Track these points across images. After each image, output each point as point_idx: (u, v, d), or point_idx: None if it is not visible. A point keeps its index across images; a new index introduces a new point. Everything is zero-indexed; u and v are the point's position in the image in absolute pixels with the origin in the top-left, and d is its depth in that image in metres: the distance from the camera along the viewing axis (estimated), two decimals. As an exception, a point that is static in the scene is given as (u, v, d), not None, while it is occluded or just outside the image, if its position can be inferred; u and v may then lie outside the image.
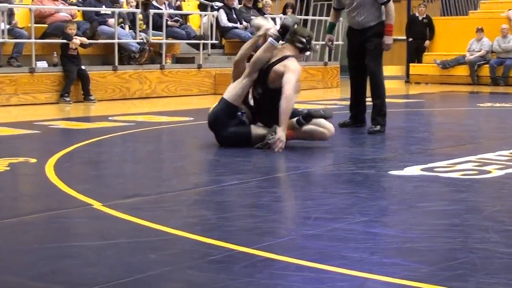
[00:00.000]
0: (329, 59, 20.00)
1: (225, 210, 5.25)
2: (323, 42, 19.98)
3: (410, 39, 21.96)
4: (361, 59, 9.65)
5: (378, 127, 9.37)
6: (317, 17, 21.04)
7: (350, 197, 5.60)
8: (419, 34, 21.77)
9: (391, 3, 9.54)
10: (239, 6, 18.76)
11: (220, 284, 3.54)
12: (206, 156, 7.89)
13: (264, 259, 3.96)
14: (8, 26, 13.58)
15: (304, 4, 21.79)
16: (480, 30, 20.28)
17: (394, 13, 9.56)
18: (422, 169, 6.71)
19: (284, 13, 19.97)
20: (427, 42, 21.81)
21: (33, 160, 7.10)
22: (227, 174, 6.60)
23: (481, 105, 14.42)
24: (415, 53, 21.92)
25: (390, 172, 6.55)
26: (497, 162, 7.09)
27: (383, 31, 9.53)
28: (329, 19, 10.67)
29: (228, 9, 18.11)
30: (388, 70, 25.10)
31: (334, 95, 17.00)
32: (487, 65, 20.15)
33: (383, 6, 9.54)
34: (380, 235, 4.40)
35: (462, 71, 20.60)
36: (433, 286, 3.51)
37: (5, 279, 3.65)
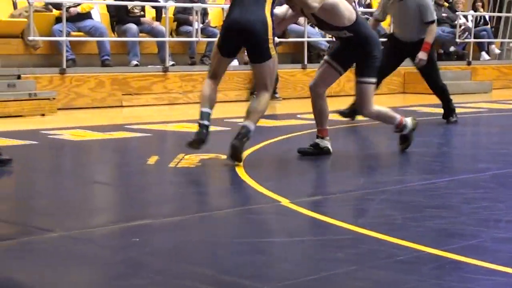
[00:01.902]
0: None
1: (412, 210, 5.18)
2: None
3: None
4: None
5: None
6: (511, 14, 20.50)
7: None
8: None
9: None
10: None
11: (408, 285, 3.51)
12: (393, 155, 7.81)
13: (453, 261, 3.89)
14: (201, 25, 13.89)
15: (498, 0, 21.21)
16: None
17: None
18: None
19: (475, 9, 19.52)
20: None
21: (224, 157, 7.22)
22: (415, 174, 6.52)
23: None
24: None
25: None
26: None
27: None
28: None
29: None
30: None
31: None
32: None
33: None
34: None
35: None
36: None
37: (196, 271, 3.73)
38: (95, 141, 8.68)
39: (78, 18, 12.93)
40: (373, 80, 7.49)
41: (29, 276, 3.71)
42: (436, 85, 10.84)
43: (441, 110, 11.61)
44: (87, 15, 13.13)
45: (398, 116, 7.38)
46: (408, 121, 7.40)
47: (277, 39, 14.49)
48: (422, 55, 10.06)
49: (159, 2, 14.36)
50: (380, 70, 8.67)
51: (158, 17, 13.95)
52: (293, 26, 15.33)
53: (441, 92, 10.78)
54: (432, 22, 10.10)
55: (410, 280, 3.56)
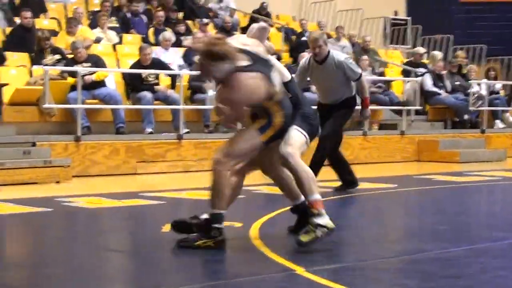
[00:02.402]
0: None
1: (428, 279, 5.16)
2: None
3: None
4: None
5: None
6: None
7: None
8: None
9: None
10: (443, 72, 18.60)
11: None
12: (407, 223, 7.79)
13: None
14: (215, 93, 13.96)
15: (509, 69, 21.36)
16: None
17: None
18: None
19: (487, 77, 19.61)
20: None
21: (238, 224, 7.22)
22: (430, 242, 6.50)
23: None
24: None
25: None
26: None
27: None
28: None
29: (432, 74, 18.00)
30: None
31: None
32: None
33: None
34: None
35: None
36: None
37: None
38: (109, 208, 8.70)
39: (93, 86, 13.05)
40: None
41: None
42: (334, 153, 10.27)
43: (458, 178, 11.62)
44: (102, 83, 13.25)
45: (317, 195, 6.21)
46: (326, 217, 6.11)
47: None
48: (367, 112, 10.25)
49: (174, 70, 14.48)
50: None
51: (173, 85, 14.07)
52: (308, 95, 15.42)
53: (338, 161, 10.37)
54: (360, 76, 9.81)
55: None
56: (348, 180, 10.24)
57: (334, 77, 9.56)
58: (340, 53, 9.95)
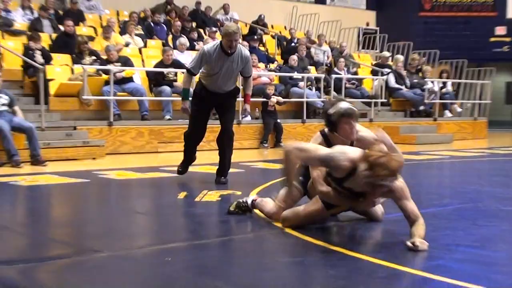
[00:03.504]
0: (478, 115, 19.48)
1: (390, 237, 5.16)
2: (474, 101, 19.66)
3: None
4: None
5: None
6: (469, 81, 20.59)
7: (494, 229, 5.45)
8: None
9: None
10: (404, 71, 18.60)
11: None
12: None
13: (423, 277, 3.92)
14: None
15: (459, 70, 21.34)
16: None
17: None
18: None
19: (440, 77, 19.63)
20: None
21: (239, 193, 7.25)
22: (391, 207, 6.54)
23: None
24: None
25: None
26: None
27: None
28: (184, 85, 8.33)
29: (395, 73, 18.02)
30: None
31: (482, 145, 16.46)
32: None
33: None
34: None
35: None
36: None
37: (217, 284, 3.75)
38: (135, 179, 8.72)
39: (123, 81, 13.08)
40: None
41: None
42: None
43: (415, 157, 11.61)
44: (130, 79, 13.27)
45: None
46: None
47: (281, 99, 14.68)
48: (248, 107, 8.50)
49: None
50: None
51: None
52: (295, 89, 15.44)
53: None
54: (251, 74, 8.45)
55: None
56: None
57: (235, 68, 8.02)
58: (244, 48, 8.38)
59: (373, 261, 4.23)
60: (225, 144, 8.31)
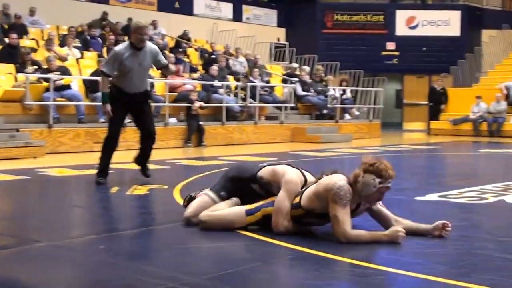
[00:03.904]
0: (373, 117, 19.86)
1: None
2: (369, 106, 20.03)
3: (431, 104, 21.77)
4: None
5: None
6: (365, 88, 20.98)
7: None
8: (437, 100, 21.55)
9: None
10: (310, 80, 18.80)
11: (300, 276, 3.51)
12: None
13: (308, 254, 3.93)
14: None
15: (356, 79, 21.71)
16: (478, 97, 20.21)
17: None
18: (439, 196, 6.60)
19: (341, 85, 19.94)
20: (443, 106, 21.59)
21: (165, 187, 7.19)
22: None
23: (481, 150, 14.14)
24: (434, 114, 21.67)
25: (416, 198, 6.45)
26: (492, 191, 6.93)
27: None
28: (102, 89, 7.56)
29: (302, 82, 18.18)
30: (414, 125, 24.90)
31: (376, 143, 16.80)
32: (485, 122, 19.90)
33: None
34: (408, 242, 4.32)
35: (467, 126, 20.25)
36: (447, 280, 3.44)
37: (147, 269, 3.69)
38: (73, 176, 8.55)
39: (62, 88, 12.82)
40: None
41: (25, 276, 3.63)
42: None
43: (320, 153, 11.71)
44: (68, 86, 13.02)
45: None
46: None
47: (203, 104, 14.62)
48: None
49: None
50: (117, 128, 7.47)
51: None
52: (216, 95, 15.42)
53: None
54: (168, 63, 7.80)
55: (297, 272, 3.58)
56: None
57: (147, 63, 7.38)
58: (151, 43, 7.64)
59: (286, 246, 4.23)
60: (149, 145, 7.84)
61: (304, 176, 4.75)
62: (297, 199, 4.51)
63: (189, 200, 5.29)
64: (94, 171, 8.30)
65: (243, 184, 4.91)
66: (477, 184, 7.55)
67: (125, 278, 3.51)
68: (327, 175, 4.53)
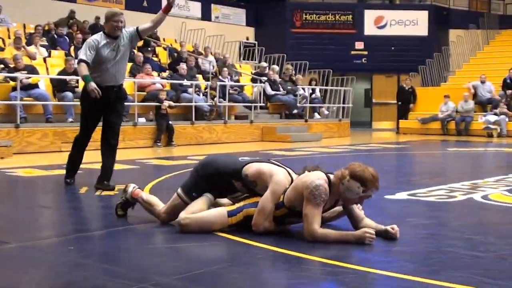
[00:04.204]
0: (342, 116, 19.98)
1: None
2: (338, 105, 20.14)
3: (400, 103, 21.96)
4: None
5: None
6: (334, 87, 21.08)
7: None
8: (406, 99, 21.75)
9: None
10: (279, 79, 18.85)
11: (264, 275, 3.51)
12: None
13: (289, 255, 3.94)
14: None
15: (325, 78, 21.81)
16: (446, 97, 20.38)
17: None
18: (408, 195, 6.66)
19: (310, 84, 20.02)
20: (411, 105, 21.80)
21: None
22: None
23: (449, 149, 14.30)
24: (403, 113, 21.86)
25: (385, 197, 6.50)
26: (461, 190, 7.01)
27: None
28: (83, 72, 6.76)
29: (271, 81, 18.22)
30: (383, 124, 25.11)
31: (346, 142, 16.91)
32: (453, 121, 20.11)
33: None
34: (378, 241, 4.36)
35: (436, 125, 20.48)
36: (416, 278, 3.47)
37: (115, 269, 3.67)
38: (41, 176, 8.46)
39: (29, 87, 12.67)
40: None
41: (-8, 275, 3.59)
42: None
43: (289, 153, 11.71)
44: (35, 85, 12.88)
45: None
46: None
47: (172, 103, 14.57)
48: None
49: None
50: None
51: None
52: (185, 95, 15.38)
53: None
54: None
55: (267, 271, 3.58)
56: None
57: (125, 50, 6.89)
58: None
59: (258, 246, 4.23)
60: (112, 145, 7.21)
61: (291, 176, 4.70)
62: (281, 198, 4.50)
63: (122, 205, 5.15)
64: (63, 171, 8.22)
65: (222, 179, 4.78)
66: (446, 182, 7.63)
67: (96, 279, 3.48)
68: (309, 171, 4.52)
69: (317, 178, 4.36)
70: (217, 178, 4.80)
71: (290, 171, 4.77)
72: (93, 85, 6.69)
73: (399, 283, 3.42)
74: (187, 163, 10.01)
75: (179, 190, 4.95)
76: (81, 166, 7.79)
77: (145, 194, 5.23)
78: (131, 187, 5.22)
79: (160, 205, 5.06)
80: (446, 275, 3.51)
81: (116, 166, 8.20)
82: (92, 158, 8.69)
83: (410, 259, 3.94)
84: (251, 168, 4.73)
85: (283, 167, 4.76)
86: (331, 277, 3.55)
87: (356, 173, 4.30)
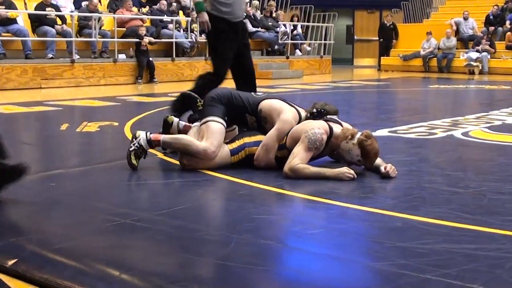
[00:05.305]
0: (324, 53, 19.88)
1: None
2: (320, 42, 20.00)
3: (381, 40, 21.85)
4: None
5: None
6: (315, 24, 20.90)
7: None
8: (388, 36, 21.63)
9: None
10: (260, 16, 18.63)
11: (247, 210, 3.55)
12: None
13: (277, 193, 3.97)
14: (98, 29, 13.62)
15: (307, 14, 21.58)
16: (429, 33, 20.26)
17: None
18: (389, 131, 6.68)
19: (292, 21, 19.81)
20: (393, 42, 21.71)
21: (116, 124, 7.11)
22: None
23: (431, 86, 14.33)
24: (384, 50, 21.78)
25: (366, 133, 6.51)
26: (441, 127, 7.05)
27: None
28: None
29: (251, 18, 17.99)
30: (365, 61, 25.04)
31: (327, 79, 16.87)
32: (435, 58, 20.09)
33: None
34: (360, 177, 4.38)
35: (418, 62, 20.45)
36: (395, 213, 3.51)
37: (98, 205, 3.68)
38: (21, 113, 8.37)
39: (8, 22, 12.43)
40: None
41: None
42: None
43: (266, 90, 11.63)
44: (14, 21, 12.63)
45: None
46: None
47: (153, 40, 14.39)
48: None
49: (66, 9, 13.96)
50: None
51: (64, 22, 13.52)
52: (165, 31, 15.17)
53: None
54: None
55: (248, 207, 3.61)
56: None
57: None
58: None
59: (240, 182, 4.25)
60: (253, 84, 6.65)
61: (299, 114, 4.71)
62: (284, 140, 4.52)
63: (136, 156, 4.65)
64: (43, 108, 8.16)
65: (236, 113, 4.73)
66: (427, 119, 7.66)
67: (77, 215, 3.49)
68: (317, 109, 4.62)
69: (318, 127, 4.38)
70: (236, 111, 4.73)
71: (300, 109, 4.78)
72: (204, 16, 5.94)
73: (379, 218, 3.45)
74: (168, 100, 9.94)
75: (215, 118, 4.61)
76: (62, 103, 7.73)
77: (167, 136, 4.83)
78: (143, 133, 4.79)
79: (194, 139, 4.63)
80: (425, 211, 3.54)
81: (97, 103, 8.14)
82: (73, 95, 8.62)
83: (390, 195, 3.98)
84: (265, 104, 4.74)
85: (294, 106, 4.77)
86: (310, 211, 3.57)
87: (364, 145, 4.35)
